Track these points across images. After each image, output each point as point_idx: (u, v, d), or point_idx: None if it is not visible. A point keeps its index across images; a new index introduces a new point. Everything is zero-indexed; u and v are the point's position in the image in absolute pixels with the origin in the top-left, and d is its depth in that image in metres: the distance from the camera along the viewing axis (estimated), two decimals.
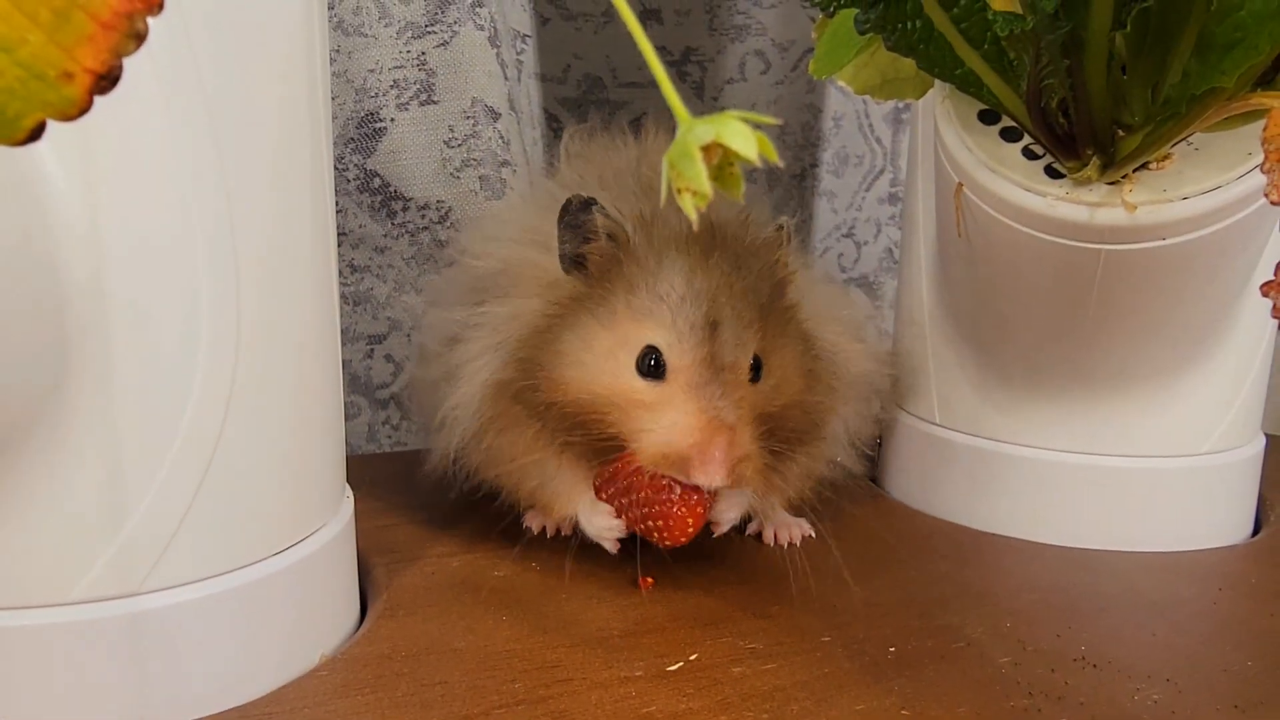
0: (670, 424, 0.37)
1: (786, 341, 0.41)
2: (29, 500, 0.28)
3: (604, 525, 0.41)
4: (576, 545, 0.43)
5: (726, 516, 0.43)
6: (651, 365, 0.38)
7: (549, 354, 0.39)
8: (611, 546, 0.42)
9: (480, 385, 0.41)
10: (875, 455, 0.54)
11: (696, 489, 0.38)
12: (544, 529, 0.47)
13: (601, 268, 0.40)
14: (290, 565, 0.33)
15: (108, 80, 0.19)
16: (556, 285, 0.40)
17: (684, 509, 0.38)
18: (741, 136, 0.20)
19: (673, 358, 0.38)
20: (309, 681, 0.33)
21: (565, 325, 0.39)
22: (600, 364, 0.38)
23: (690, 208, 0.20)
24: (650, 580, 0.42)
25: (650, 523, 0.39)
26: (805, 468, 0.46)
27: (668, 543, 0.39)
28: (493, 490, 0.45)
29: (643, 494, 0.38)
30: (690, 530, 0.39)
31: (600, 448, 0.39)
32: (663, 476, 0.38)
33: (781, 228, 0.42)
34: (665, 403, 0.37)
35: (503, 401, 0.41)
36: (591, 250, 0.40)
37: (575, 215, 0.39)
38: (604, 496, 0.41)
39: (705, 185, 0.20)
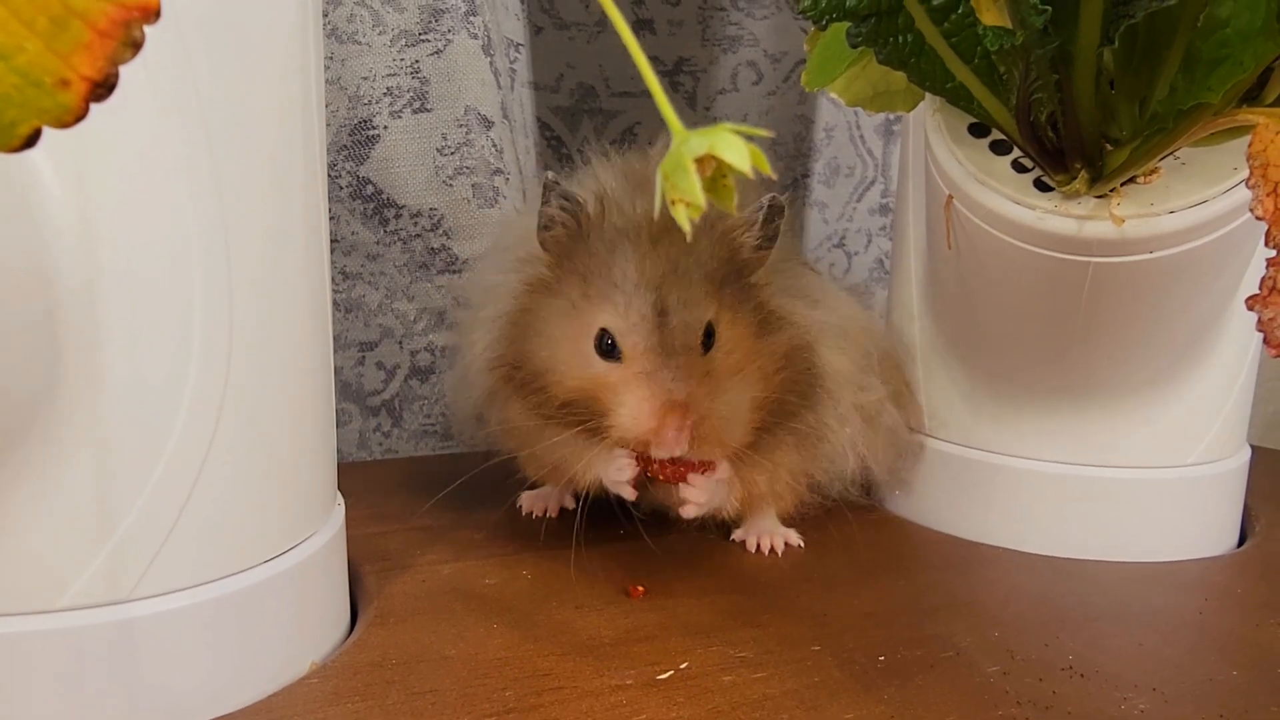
0: (629, 410, 0.39)
1: (743, 312, 0.42)
2: (19, 507, 0.28)
3: (616, 474, 0.43)
4: (574, 545, 0.43)
5: (694, 497, 0.43)
6: (608, 346, 0.40)
7: (526, 336, 0.42)
8: (629, 493, 0.43)
9: (477, 358, 0.44)
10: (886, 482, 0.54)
11: None
12: (532, 512, 0.50)
13: (564, 249, 0.42)
14: (281, 573, 0.33)
15: (104, 88, 0.20)
16: (530, 262, 0.43)
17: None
18: (735, 149, 0.20)
19: (625, 344, 0.40)
20: (299, 689, 0.33)
21: (537, 308, 0.42)
22: (568, 351, 0.41)
23: (684, 219, 0.21)
24: (641, 589, 0.42)
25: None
26: (793, 462, 0.45)
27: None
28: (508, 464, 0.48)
29: None
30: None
31: (585, 423, 0.41)
32: None
33: (761, 207, 0.42)
34: (624, 385, 0.40)
35: (497, 378, 0.44)
36: (555, 236, 0.42)
37: (544, 194, 0.42)
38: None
39: (699, 196, 0.20)
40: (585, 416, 0.41)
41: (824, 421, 0.45)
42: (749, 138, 0.20)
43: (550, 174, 0.41)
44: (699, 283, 0.40)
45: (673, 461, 0.42)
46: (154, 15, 0.20)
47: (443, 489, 0.47)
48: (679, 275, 0.40)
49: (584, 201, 0.42)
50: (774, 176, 0.21)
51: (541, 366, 0.42)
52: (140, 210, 0.28)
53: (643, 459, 0.42)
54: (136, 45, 0.20)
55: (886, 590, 0.43)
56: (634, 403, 0.39)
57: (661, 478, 0.43)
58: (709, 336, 0.40)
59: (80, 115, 0.20)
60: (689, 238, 0.22)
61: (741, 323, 0.41)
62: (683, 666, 0.36)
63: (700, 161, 0.20)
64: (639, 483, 0.43)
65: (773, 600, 0.42)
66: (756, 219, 0.42)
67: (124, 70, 0.19)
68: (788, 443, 0.44)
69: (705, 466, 0.43)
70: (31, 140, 0.20)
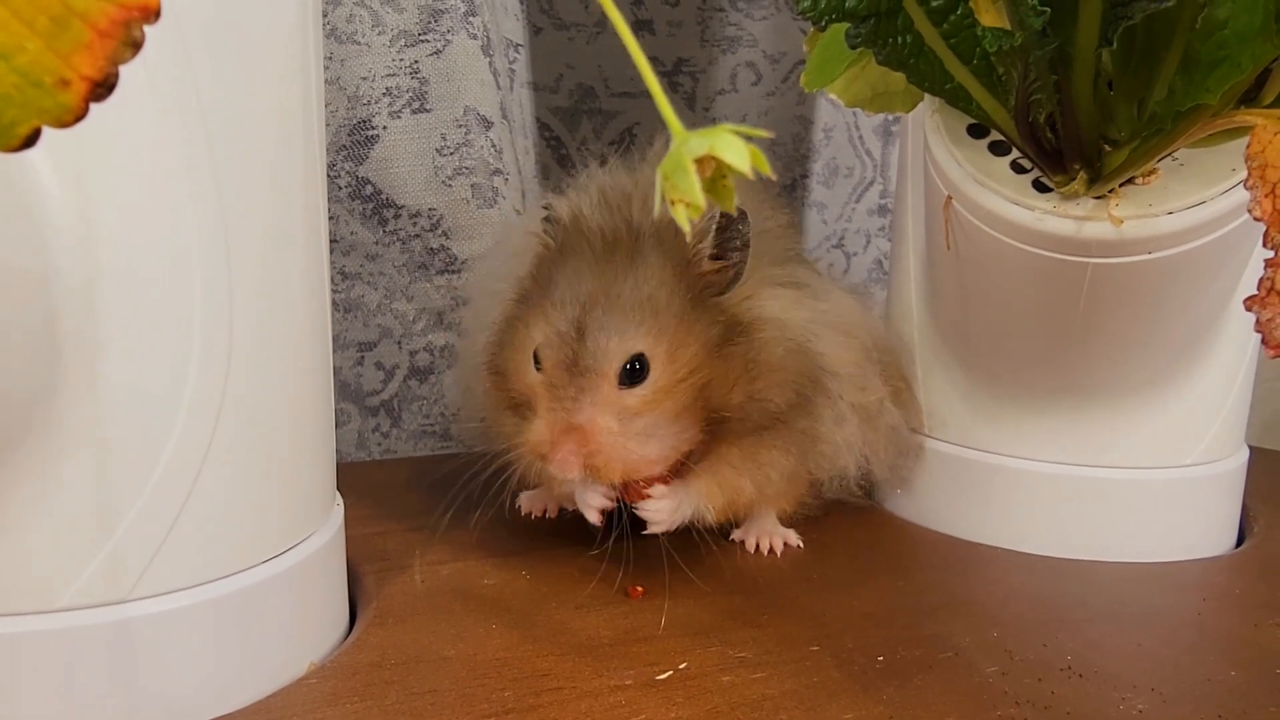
0: (536, 423, 0.40)
1: (694, 339, 0.40)
2: (18, 507, 0.28)
3: (585, 500, 0.43)
4: (572, 546, 0.43)
5: (650, 517, 0.42)
6: (537, 360, 0.41)
7: (501, 340, 0.43)
8: (594, 518, 0.43)
9: (472, 360, 0.46)
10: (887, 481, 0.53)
11: None
12: (531, 512, 0.50)
13: (541, 266, 0.43)
14: (280, 573, 0.33)
15: (104, 88, 0.20)
16: (523, 277, 0.44)
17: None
18: (734, 149, 0.20)
19: (543, 357, 0.40)
20: (298, 690, 0.33)
21: (513, 316, 0.43)
22: (520, 362, 0.42)
23: (684, 219, 0.21)
24: (640, 589, 0.42)
25: None
26: (786, 466, 0.45)
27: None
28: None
29: None
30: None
31: None
32: None
33: (713, 216, 0.40)
34: (536, 398, 0.40)
35: (489, 381, 0.44)
36: (540, 254, 0.43)
37: (544, 219, 0.43)
38: None
39: (699, 197, 0.20)
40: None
41: (819, 422, 0.45)
42: (748, 138, 0.21)
43: (547, 200, 0.43)
44: (631, 309, 0.39)
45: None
46: (154, 15, 0.20)
47: (441, 489, 0.47)
48: (610, 298, 0.39)
49: (560, 219, 0.42)
50: (774, 177, 0.21)
51: (505, 370, 0.43)
52: (140, 210, 0.28)
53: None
54: (136, 45, 0.20)
55: (885, 590, 0.43)
56: (538, 418, 0.40)
57: (624, 497, 0.42)
58: (637, 369, 0.39)
59: (80, 115, 0.20)
60: (688, 236, 0.22)
61: (693, 344, 0.40)
62: (682, 667, 0.36)
63: (700, 162, 0.20)
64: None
65: (772, 600, 0.42)
66: (709, 228, 0.40)
67: (124, 70, 0.19)
68: (778, 446, 0.43)
69: (653, 483, 0.41)
70: (31, 140, 0.20)
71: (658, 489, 0.42)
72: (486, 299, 0.47)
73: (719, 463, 0.42)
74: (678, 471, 0.42)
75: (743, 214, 0.40)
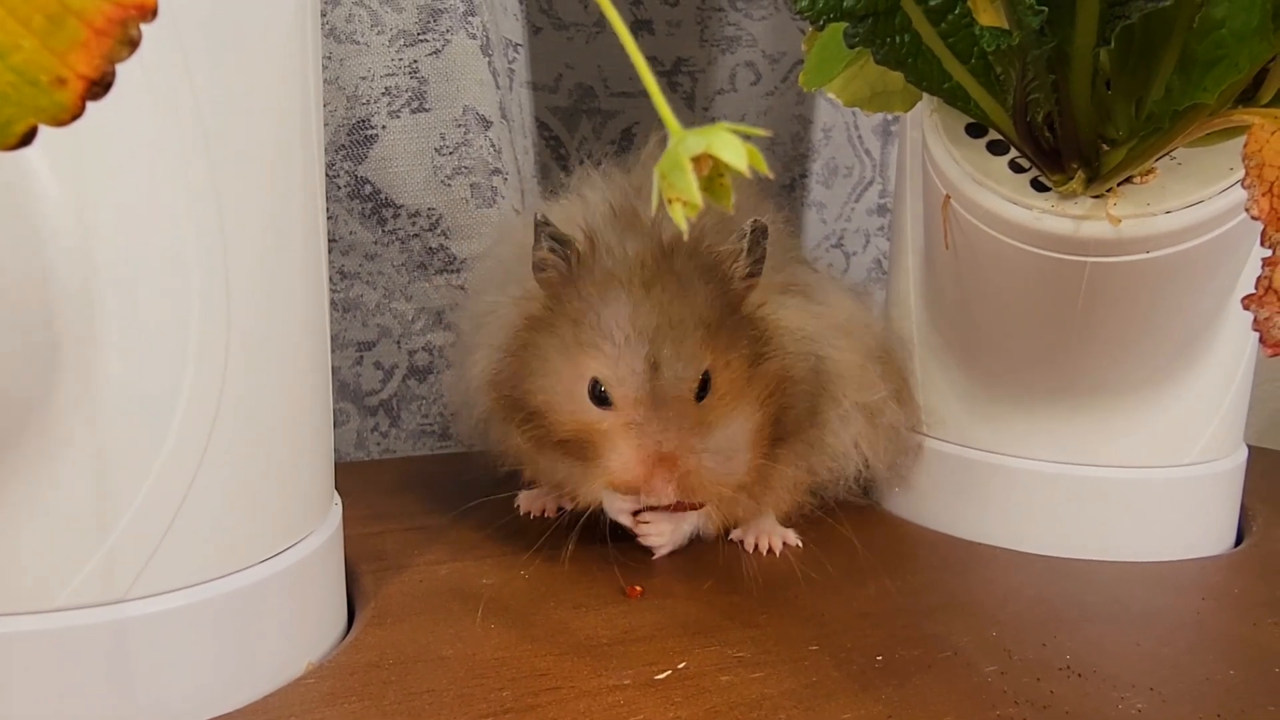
0: (619, 458, 0.40)
1: (739, 352, 0.41)
2: (15, 506, 0.28)
3: (618, 505, 0.43)
4: (569, 551, 0.43)
5: (654, 541, 0.44)
6: (601, 395, 0.40)
7: (524, 373, 0.42)
8: (629, 522, 0.44)
9: (478, 378, 0.44)
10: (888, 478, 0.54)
11: None
12: (530, 512, 0.50)
13: (555, 287, 0.42)
14: (278, 572, 0.33)
15: (100, 86, 0.20)
16: (529, 300, 0.43)
17: None
18: (732, 148, 0.20)
19: (615, 395, 0.40)
20: (296, 689, 0.33)
21: (533, 344, 0.42)
22: (563, 393, 0.41)
23: (681, 218, 0.21)
24: (638, 589, 0.42)
25: None
26: (792, 477, 0.46)
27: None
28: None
29: None
30: None
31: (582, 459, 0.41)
32: None
33: (745, 234, 0.41)
34: (615, 433, 0.40)
35: (496, 399, 0.43)
36: (547, 277, 0.42)
37: (535, 235, 0.41)
38: None
39: (696, 196, 0.20)
40: (580, 455, 0.41)
41: (825, 428, 0.45)
42: (746, 137, 0.20)
43: (540, 214, 0.41)
44: (692, 332, 0.40)
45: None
46: (151, 14, 0.20)
47: (441, 489, 0.47)
48: (673, 327, 0.40)
49: (573, 241, 0.41)
50: (772, 176, 0.21)
51: (540, 405, 0.41)
52: (137, 210, 0.28)
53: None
54: (133, 43, 0.20)
55: (884, 590, 0.43)
56: (624, 451, 0.40)
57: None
58: (704, 386, 0.40)
59: (77, 114, 0.20)
60: (685, 236, 0.22)
61: (737, 360, 0.41)
62: (680, 666, 0.36)
63: (697, 161, 0.20)
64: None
65: (770, 600, 0.42)
66: (742, 248, 0.41)
67: (121, 69, 0.19)
68: (784, 457, 0.44)
69: (695, 505, 0.43)
70: (27, 139, 0.20)
71: (654, 515, 0.43)
72: (489, 305, 0.45)
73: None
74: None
75: (764, 228, 0.41)
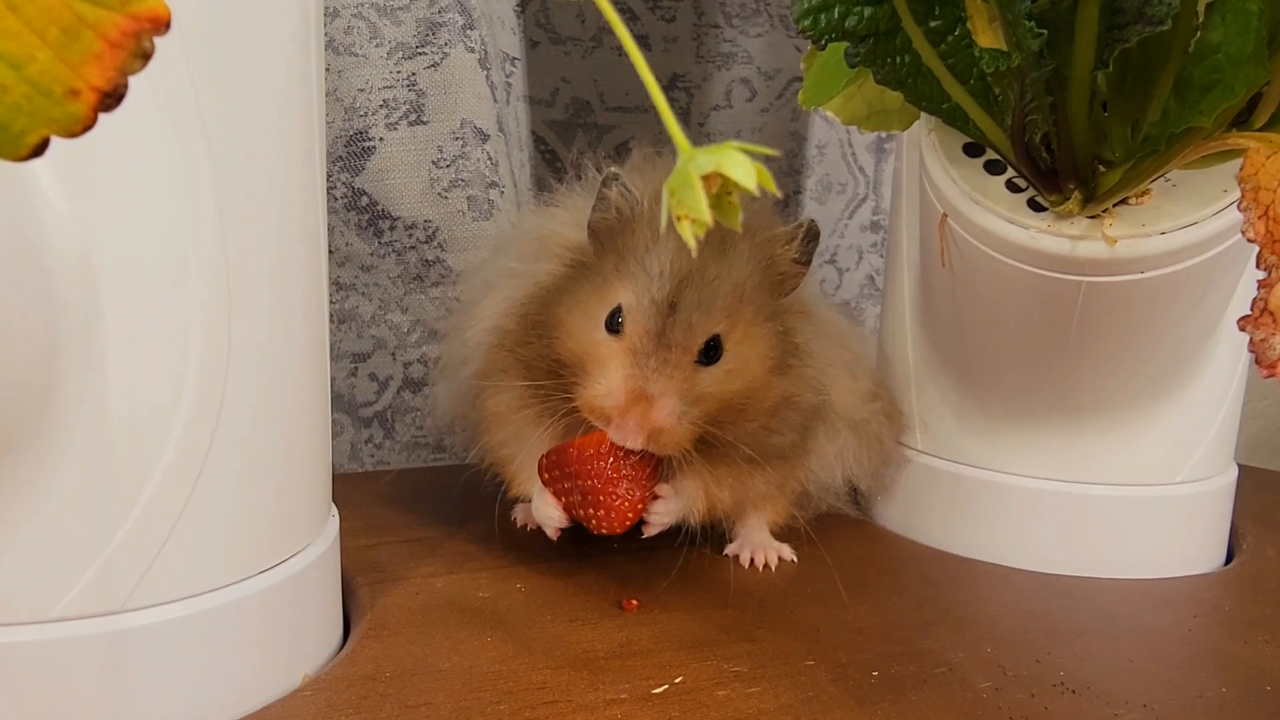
0: (606, 382, 0.40)
1: (761, 334, 0.42)
2: (12, 517, 0.28)
3: (548, 513, 0.43)
4: (568, 559, 0.43)
5: (658, 519, 0.43)
6: (617, 323, 0.40)
7: (547, 311, 0.42)
8: (552, 534, 0.44)
9: (483, 330, 0.44)
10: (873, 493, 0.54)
11: (640, 484, 0.41)
12: (527, 524, 0.49)
13: (608, 237, 0.42)
14: (274, 584, 0.33)
15: (113, 98, 0.20)
16: (572, 249, 0.44)
17: (625, 502, 0.41)
18: (741, 167, 0.20)
19: (629, 323, 0.40)
20: (292, 702, 0.33)
21: (567, 288, 0.42)
22: (580, 319, 0.41)
23: (689, 235, 0.21)
24: (635, 602, 0.42)
25: (590, 510, 0.41)
26: (780, 483, 0.46)
27: (603, 530, 0.41)
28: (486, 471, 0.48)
29: (589, 482, 0.41)
30: (628, 522, 0.41)
31: (570, 411, 0.41)
32: (609, 466, 0.40)
33: (802, 224, 0.43)
34: (611, 359, 0.40)
35: (499, 353, 0.44)
36: (606, 220, 0.42)
37: (604, 185, 0.42)
38: (546, 478, 0.42)
39: (705, 213, 0.21)
40: (565, 385, 0.41)
41: (811, 440, 0.46)
42: (754, 156, 0.21)
43: (614, 168, 0.42)
44: (720, 289, 0.40)
45: (627, 491, 0.41)
46: (165, 26, 0.20)
47: (436, 501, 0.47)
48: (705, 278, 0.40)
49: (642, 194, 0.42)
50: (779, 195, 0.21)
51: (556, 320, 0.42)
52: (139, 221, 0.28)
53: (570, 500, 0.42)
54: (146, 56, 0.20)
55: (879, 605, 0.43)
56: (612, 376, 0.39)
57: (593, 525, 0.42)
58: (712, 350, 0.40)
59: (88, 125, 0.20)
60: (694, 254, 0.22)
61: (756, 347, 0.41)
62: (677, 680, 0.36)
63: (706, 179, 0.21)
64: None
65: (766, 615, 0.42)
66: (797, 235, 0.42)
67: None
68: (765, 469, 0.44)
69: (636, 515, 0.42)
70: (40, 149, 0.20)
71: (663, 488, 0.43)
72: (498, 282, 0.46)
73: (706, 474, 0.43)
74: (665, 477, 0.42)
75: (818, 231, 0.43)
